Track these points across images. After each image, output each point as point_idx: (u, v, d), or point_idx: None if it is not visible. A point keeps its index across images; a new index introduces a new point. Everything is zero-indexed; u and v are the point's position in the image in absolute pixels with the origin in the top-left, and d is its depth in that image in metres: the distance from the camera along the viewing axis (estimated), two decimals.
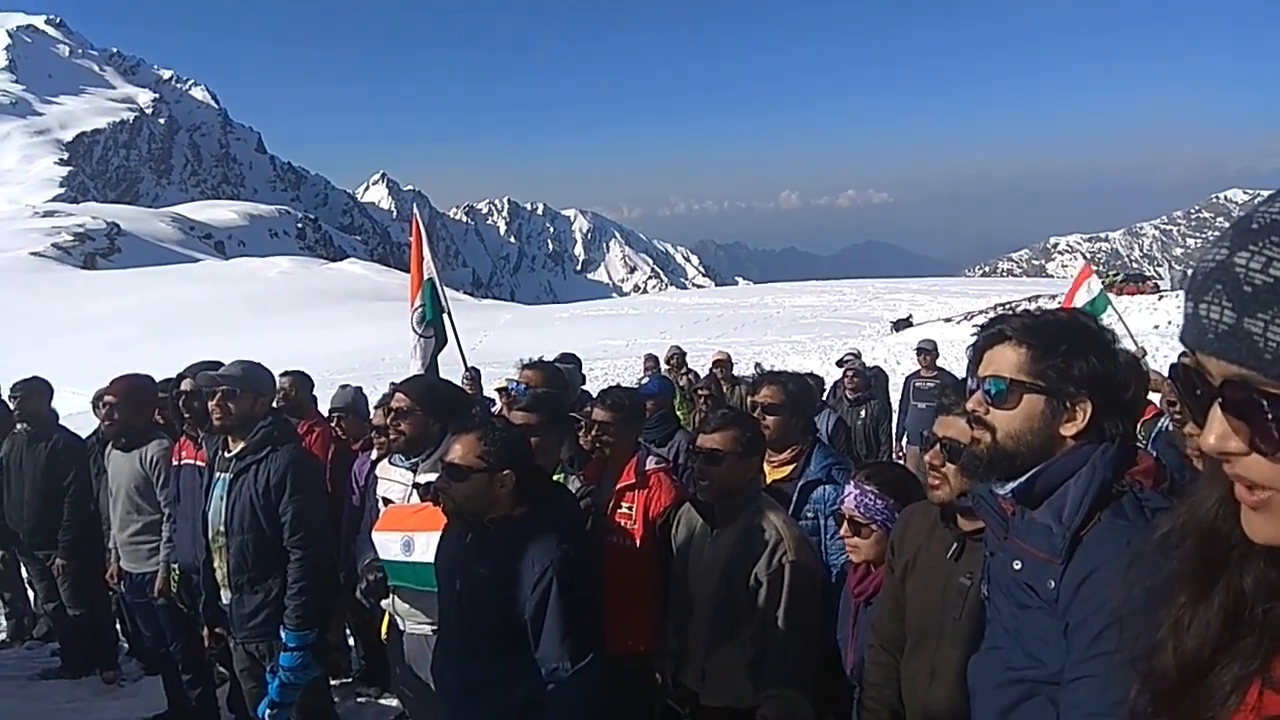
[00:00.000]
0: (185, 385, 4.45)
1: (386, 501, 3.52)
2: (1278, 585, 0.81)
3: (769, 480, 3.49)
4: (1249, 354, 0.73)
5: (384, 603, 3.38)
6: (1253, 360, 0.73)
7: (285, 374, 5.46)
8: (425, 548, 2.98)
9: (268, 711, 3.58)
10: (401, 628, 3.30)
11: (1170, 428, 5.25)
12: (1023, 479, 1.68)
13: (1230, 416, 0.76)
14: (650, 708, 3.41)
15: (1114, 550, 1.49)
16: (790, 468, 3.49)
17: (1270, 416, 0.73)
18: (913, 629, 2.35)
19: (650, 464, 3.45)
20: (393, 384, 3.98)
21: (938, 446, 2.27)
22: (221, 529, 3.71)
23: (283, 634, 3.59)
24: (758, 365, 9.79)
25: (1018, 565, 1.69)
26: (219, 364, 4.15)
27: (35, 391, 5.60)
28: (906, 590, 2.37)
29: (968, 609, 2.14)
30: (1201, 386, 0.79)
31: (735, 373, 9.31)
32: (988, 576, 1.84)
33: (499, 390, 7.27)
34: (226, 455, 3.78)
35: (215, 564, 3.79)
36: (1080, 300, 8.89)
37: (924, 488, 2.55)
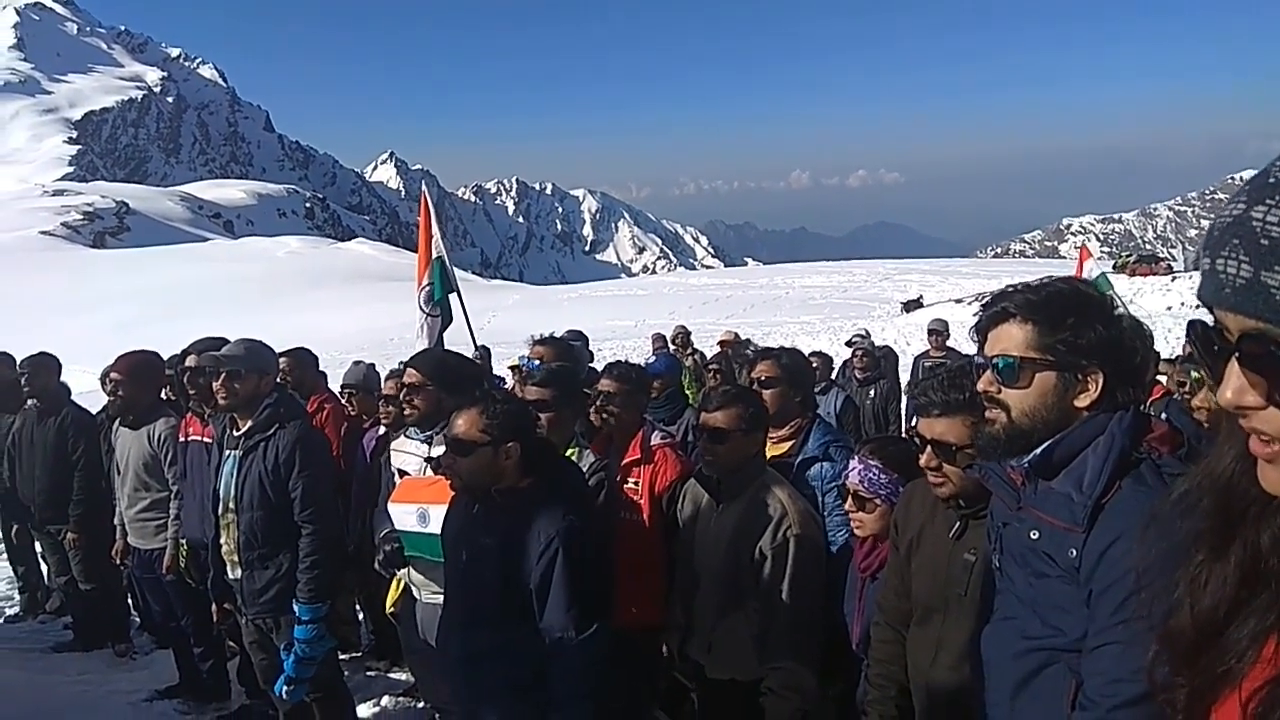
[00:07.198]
0: (190, 361, 4.45)
1: (402, 474, 3.54)
2: None
3: (768, 457, 3.49)
4: (1266, 307, 0.73)
5: (399, 573, 3.40)
6: (1270, 313, 0.73)
7: (283, 354, 5.46)
8: (440, 520, 2.99)
9: (285, 688, 3.60)
10: (417, 597, 3.33)
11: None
12: (1039, 450, 1.67)
13: (1248, 371, 0.76)
14: (657, 681, 3.42)
15: (1136, 518, 1.48)
16: (789, 444, 3.45)
17: None
18: (918, 605, 2.35)
19: (656, 439, 3.44)
20: (402, 363, 3.97)
21: (929, 450, 2.22)
22: (231, 505, 3.73)
23: (296, 608, 3.61)
24: (749, 342, 9.69)
25: (1035, 535, 1.68)
26: (224, 340, 4.15)
27: (43, 367, 5.60)
28: (911, 567, 2.37)
29: (973, 585, 2.13)
30: (1219, 342, 0.79)
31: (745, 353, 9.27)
32: (999, 547, 1.83)
33: (511, 368, 7.27)
34: (235, 434, 3.79)
35: (222, 540, 3.80)
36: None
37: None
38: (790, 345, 4.18)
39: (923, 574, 2.32)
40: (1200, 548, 0.89)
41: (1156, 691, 0.93)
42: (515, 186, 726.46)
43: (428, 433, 3.45)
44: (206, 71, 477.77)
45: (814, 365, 5.63)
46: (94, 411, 5.79)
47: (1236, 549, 0.85)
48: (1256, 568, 0.83)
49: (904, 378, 9.28)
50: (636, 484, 3.34)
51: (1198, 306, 0.82)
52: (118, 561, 5.07)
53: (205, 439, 4.41)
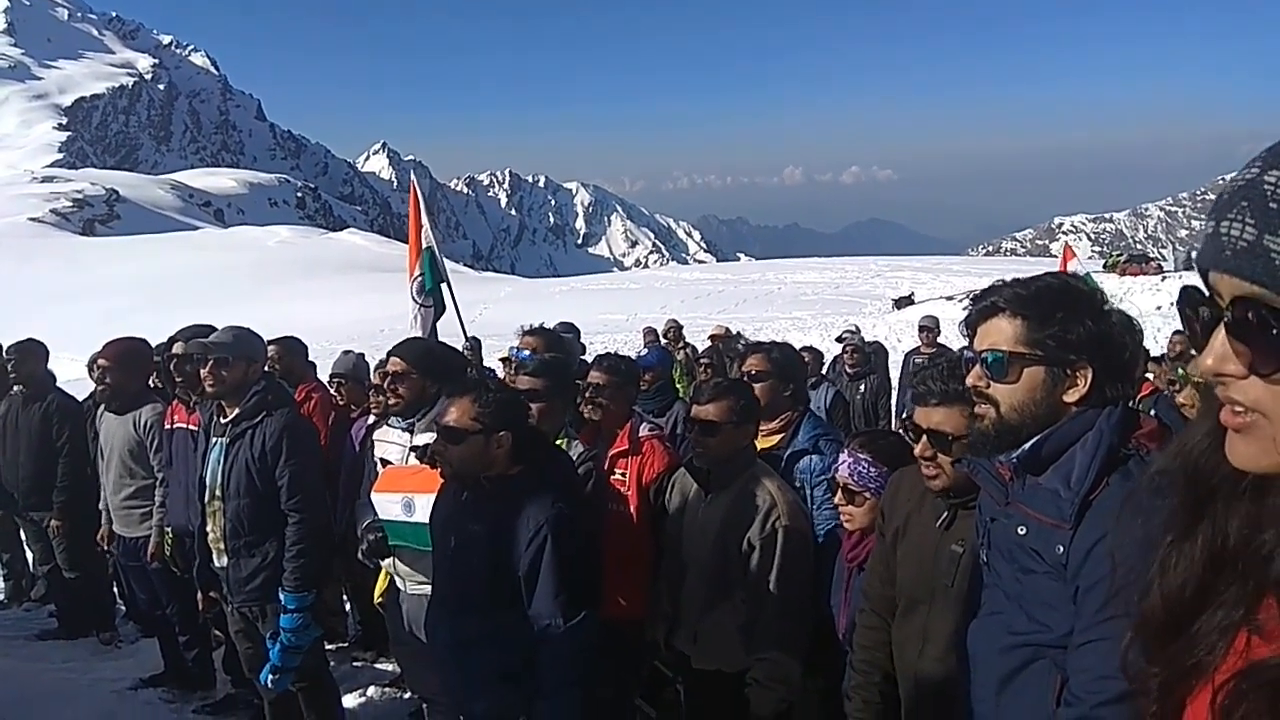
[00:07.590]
0: (176, 349, 4.42)
1: (385, 463, 3.52)
2: (1259, 520, 0.80)
3: (758, 449, 3.49)
4: (1264, 270, 0.72)
5: (384, 563, 3.37)
6: (1267, 277, 0.72)
7: (272, 341, 5.43)
8: (426, 508, 2.97)
9: (271, 677, 3.58)
10: (402, 588, 3.31)
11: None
12: (1027, 446, 1.66)
13: (1233, 338, 0.75)
14: (641, 671, 3.41)
15: None
16: (779, 437, 3.45)
17: (1276, 332, 0.72)
18: (904, 595, 2.35)
19: (644, 430, 3.44)
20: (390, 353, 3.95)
21: (925, 439, 2.21)
22: (218, 493, 3.70)
23: (282, 596, 3.59)
24: (740, 336, 9.70)
25: (1022, 530, 1.68)
26: (211, 328, 4.12)
27: (30, 353, 5.57)
28: (897, 556, 2.37)
29: (960, 576, 2.13)
30: (1210, 309, 0.78)
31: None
32: (987, 542, 1.82)
33: (502, 360, 7.26)
34: (222, 421, 3.76)
35: (209, 528, 3.78)
36: None
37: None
38: (781, 340, 4.18)
39: (908, 563, 2.32)
40: (1170, 528, 0.88)
41: (1130, 681, 0.92)
42: (508, 178, 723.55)
43: (409, 421, 3.43)
44: (198, 59, 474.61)
45: (805, 360, 5.62)
46: (81, 399, 5.75)
47: (1204, 528, 0.84)
48: (1224, 549, 0.82)
49: (894, 374, 9.31)
50: (624, 475, 3.35)
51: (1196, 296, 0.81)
52: (103, 548, 5.04)
53: (191, 426, 4.38)
